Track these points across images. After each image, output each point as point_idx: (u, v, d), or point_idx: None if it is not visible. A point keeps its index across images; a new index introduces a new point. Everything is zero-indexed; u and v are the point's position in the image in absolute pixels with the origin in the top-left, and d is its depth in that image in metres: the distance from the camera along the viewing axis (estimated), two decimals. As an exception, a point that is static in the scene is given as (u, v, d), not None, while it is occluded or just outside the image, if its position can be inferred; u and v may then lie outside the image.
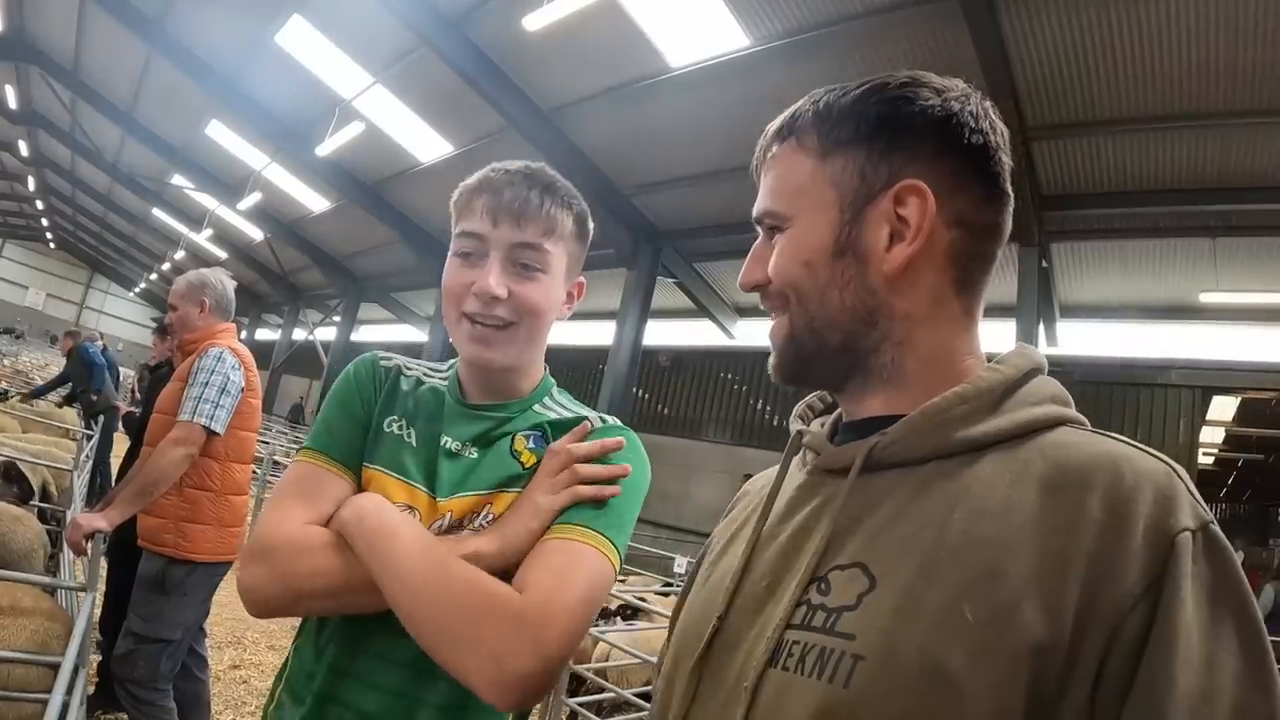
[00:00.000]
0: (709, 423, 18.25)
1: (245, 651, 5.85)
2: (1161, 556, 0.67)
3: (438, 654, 1.13)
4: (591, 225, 1.49)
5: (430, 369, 1.52)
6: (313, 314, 30.76)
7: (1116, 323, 13.14)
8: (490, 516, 1.30)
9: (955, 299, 0.91)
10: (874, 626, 0.75)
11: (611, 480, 1.31)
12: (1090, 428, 0.84)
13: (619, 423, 1.43)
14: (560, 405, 1.47)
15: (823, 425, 1.03)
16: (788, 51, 9.26)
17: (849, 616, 0.77)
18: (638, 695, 4.49)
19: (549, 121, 12.57)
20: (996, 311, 12.93)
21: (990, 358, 0.92)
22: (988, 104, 0.91)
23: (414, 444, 1.37)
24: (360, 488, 1.34)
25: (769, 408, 17.13)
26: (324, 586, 1.21)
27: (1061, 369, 12.68)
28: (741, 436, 17.46)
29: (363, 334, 28.89)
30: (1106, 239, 11.24)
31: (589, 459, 1.31)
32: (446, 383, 1.47)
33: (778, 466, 1.04)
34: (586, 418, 1.41)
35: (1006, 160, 0.91)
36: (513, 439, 1.37)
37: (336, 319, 26.77)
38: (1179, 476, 0.72)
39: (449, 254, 1.39)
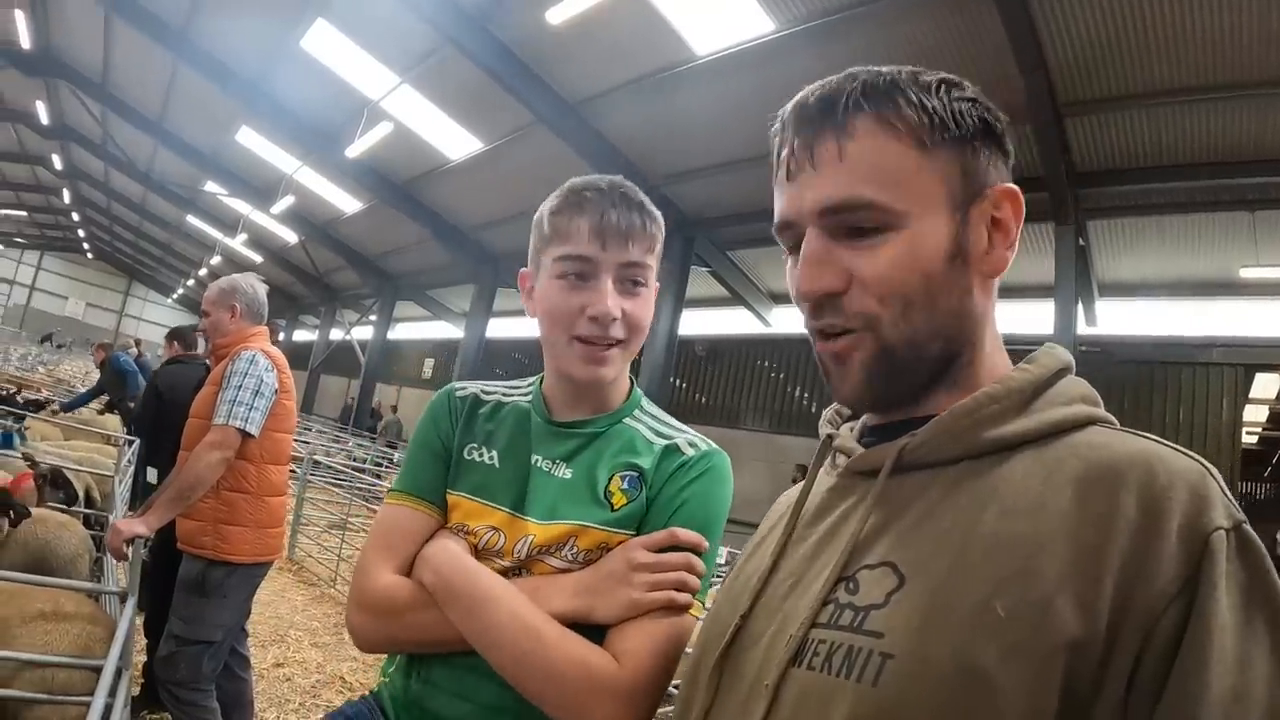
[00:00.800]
0: (747, 411, 18.24)
1: (288, 649, 5.92)
2: (1196, 556, 0.66)
3: (544, 709, 1.21)
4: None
5: (510, 387, 1.56)
6: (349, 314, 31.15)
7: (1156, 300, 12.98)
8: (575, 549, 1.32)
9: (994, 295, 0.93)
10: (903, 625, 0.74)
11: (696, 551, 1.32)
12: (1120, 427, 0.84)
13: (709, 446, 1.44)
14: (651, 420, 1.49)
15: (851, 429, 1.02)
16: (814, 35, 9.17)
17: (877, 615, 0.77)
18: (675, 686, 4.47)
19: (576, 114, 12.56)
20: (1034, 292, 12.80)
21: (1008, 341, 0.92)
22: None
23: (497, 466, 1.42)
24: (446, 517, 1.41)
25: (806, 395, 17.10)
26: (419, 639, 1.32)
27: (1101, 349, 12.52)
28: (780, 424, 17.43)
29: (399, 332, 29.18)
30: (1143, 215, 11.03)
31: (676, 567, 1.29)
32: (530, 399, 1.50)
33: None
34: (678, 444, 1.43)
35: None
36: (610, 477, 1.38)
37: (373, 318, 27.07)
38: (1212, 475, 0.72)
39: (547, 277, 1.39)
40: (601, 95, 12.02)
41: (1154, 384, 12.25)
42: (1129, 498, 0.70)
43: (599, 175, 1.41)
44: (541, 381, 1.50)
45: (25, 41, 17.12)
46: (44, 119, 23.60)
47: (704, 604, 1.31)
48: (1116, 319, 13.26)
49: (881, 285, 0.85)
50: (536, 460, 1.40)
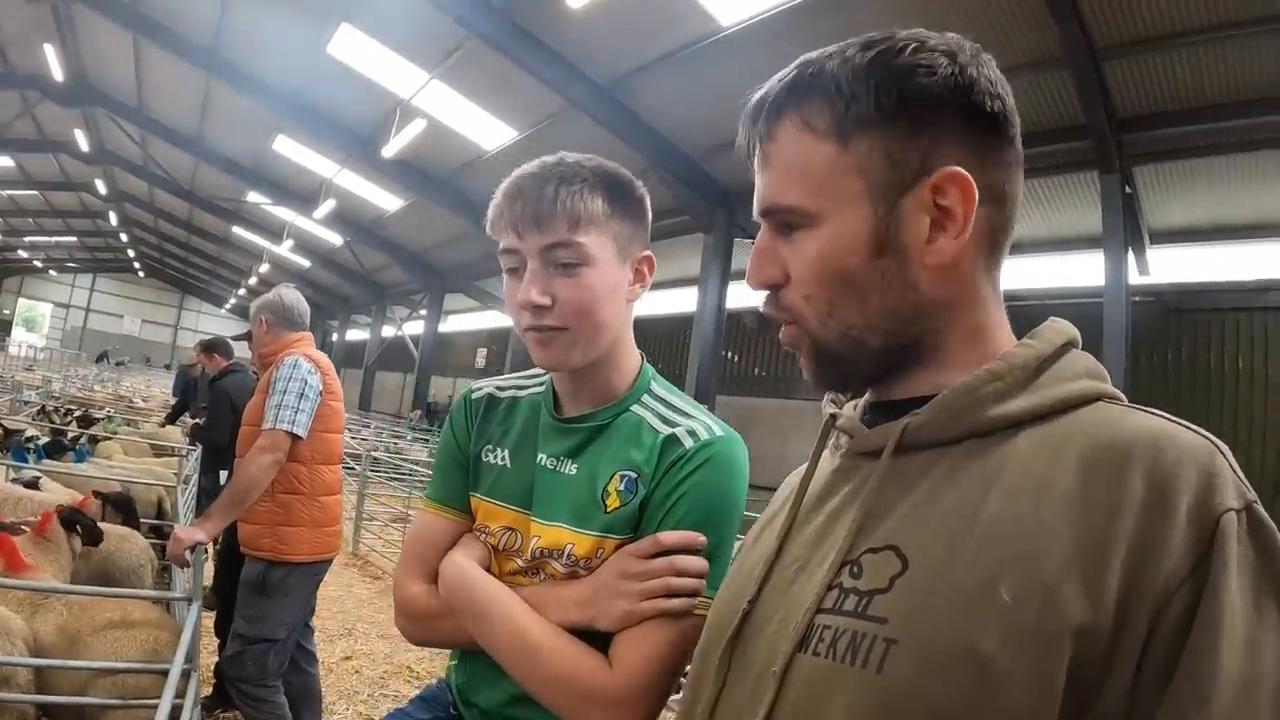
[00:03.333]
0: (801, 380, 18.02)
1: (357, 642, 6.03)
2: (1206, 537, 0.64)
3: (550, 711, 1.26)
4: (640, 194, 1.41)
5: (527, 379, 1.55)
6: (400, 310, 31.70)
7: (1209, 245, 12.62)
8: (571, 557, 1.32)
9: (987, 276, 0.88)
10: (906, 610, 0.72)
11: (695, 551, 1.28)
12: (1127, 403, 0.81)
13: (718, 432, 1.37)
14: (660, 404, 1.43)
15: (855, 408, 0.99)
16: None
17: (881, 600, 0.75)
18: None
19: (608, 95, 12.54)
20: (1082, 243, 12.58)
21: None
22: (989, 57, 0.85)
23: (509, 466, 1.44)
24: (472, 519, 1.47)
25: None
26: (448, 641, 1.45)
27: (1156, 298, 12.23)
28: (835, 391, 17.26)
29: (450, 324, 29.58)
30: (1191, 158, 10.66)
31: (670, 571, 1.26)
32: (542, 392, 1.48)
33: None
34: (677, 434, 1.36)
35: (1017, 118, 0.86)
36: (610, 477, 1.34)
37: (423, 312, 27.48)
38: (1221, 453, 0.69)
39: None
40: (631, 74, 11.98)
41: (1211, 332, 11.93)
42: (1136, 477, 0.68)
43: (544, 158, 1.36)
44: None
45: (58, 74, 17.46)
46: (84, 146, 24.07)
47: (712, 599, 1.25)
48: (1170, 267, 12.94)
49: (805, 283, 0.86)
50: (541, 458, 1.40)
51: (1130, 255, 10.97)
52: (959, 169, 0.80)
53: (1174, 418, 0.74)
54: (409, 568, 1.46)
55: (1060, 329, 0.86)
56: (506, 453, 1.45)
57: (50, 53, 16.64)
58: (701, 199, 14.40)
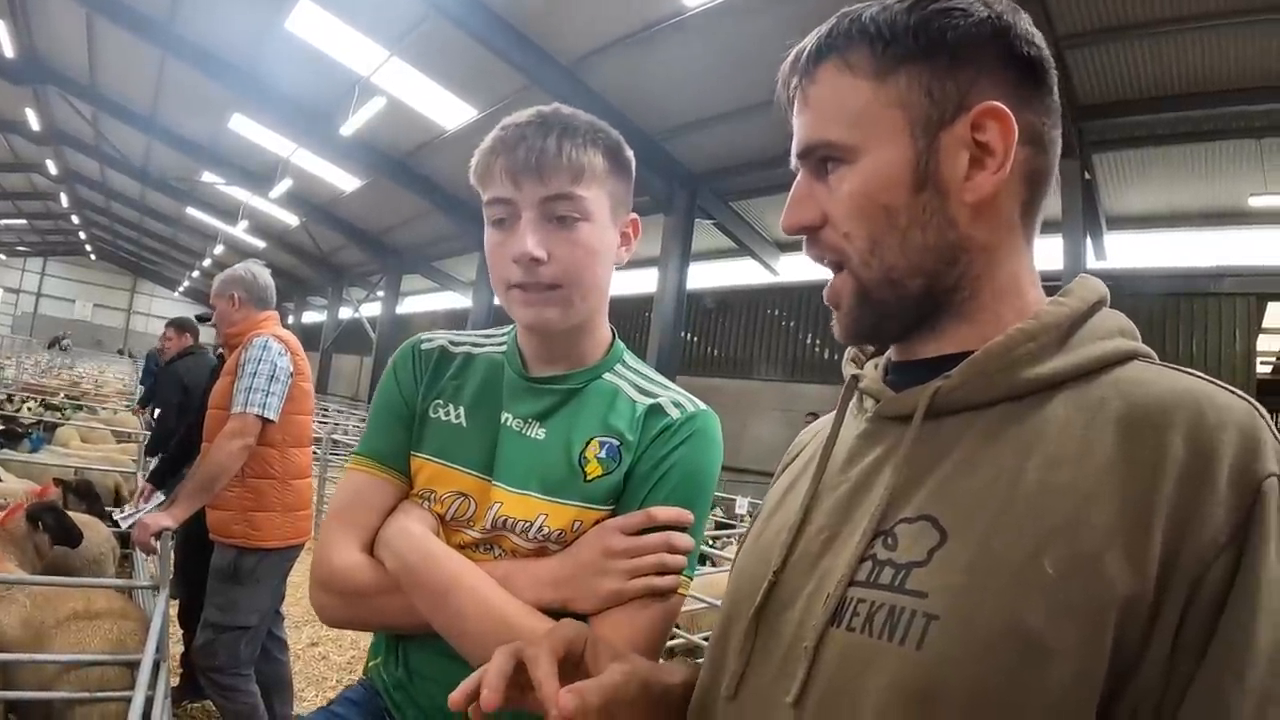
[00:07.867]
0: (760, 361, 18.23)
1: (322, 628, 5.94)
2: (1247, 503, 0.63)
3: None
4: (630, 155, 1.36)
5: (483, 337, 1.45)
6: (356, 291, 31.39)
7: (1165, 232, 12.84)
8: (544, 530, 1.23)
9: (1021, 223, 0.87)
10: (947, 583, 0.70)
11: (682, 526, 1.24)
12: (1160, 362, 0.80)
13: (696, 406, 1.34)
14: (634, 375, 1.37)
15: (876, 367, 0.97)
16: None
17: (919, 573, 0.73)
18: (706, 639, 4.46)
19: (570, 74, 12.40)
20: (1041, 227, 12.66)
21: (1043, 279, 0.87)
22: (1026, 15, 0.86)
23: (465, 425, 1.32)
24: (411, 483, 1.33)
25: (818, 341, 17.04)
26: (386, 623, 1.30)
27: (1111, 283, 12.29)
28: (794, 373, 17.40)
29: (407, 306, 29.35)
30: (1149, 146, 10.89)
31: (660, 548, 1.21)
32: (504, 351, 1.39)
33: (832, 415, 0.99)
34: (661, 404, 1.32)
35: (1054, 69, 0.86)
36: (587, 443, 1.27)
37: (380, 294, 27.19)
38: (1261, 416, 0.68)
39: (486, 225, 1.29)
40: (593, 54, 11.87)
41: (1166, 317, 12.09)
42: (1177, 440, 0.67)
43: (538, 108, 1.29)
44: (516, 332, 1.39)
45: (8, 50, 16.95)
46: (35, 125, 23.35)
47: (691, 578, 1.24)
48: (1126, 252, 13.15)
49: (844, 220, 0.85)
50: (506, 419, 1.31)
51: (1088, 240, 11.13)
52: (998, 104, 0.80)
53: (1211, 379, 0.73)
54: (340, 534, 1.28)
55: (1092, 286, 0.85)
56: (462, 410, 1.33)
57: (0, 28, 16.17)
58: (662, 180, 14.36)
